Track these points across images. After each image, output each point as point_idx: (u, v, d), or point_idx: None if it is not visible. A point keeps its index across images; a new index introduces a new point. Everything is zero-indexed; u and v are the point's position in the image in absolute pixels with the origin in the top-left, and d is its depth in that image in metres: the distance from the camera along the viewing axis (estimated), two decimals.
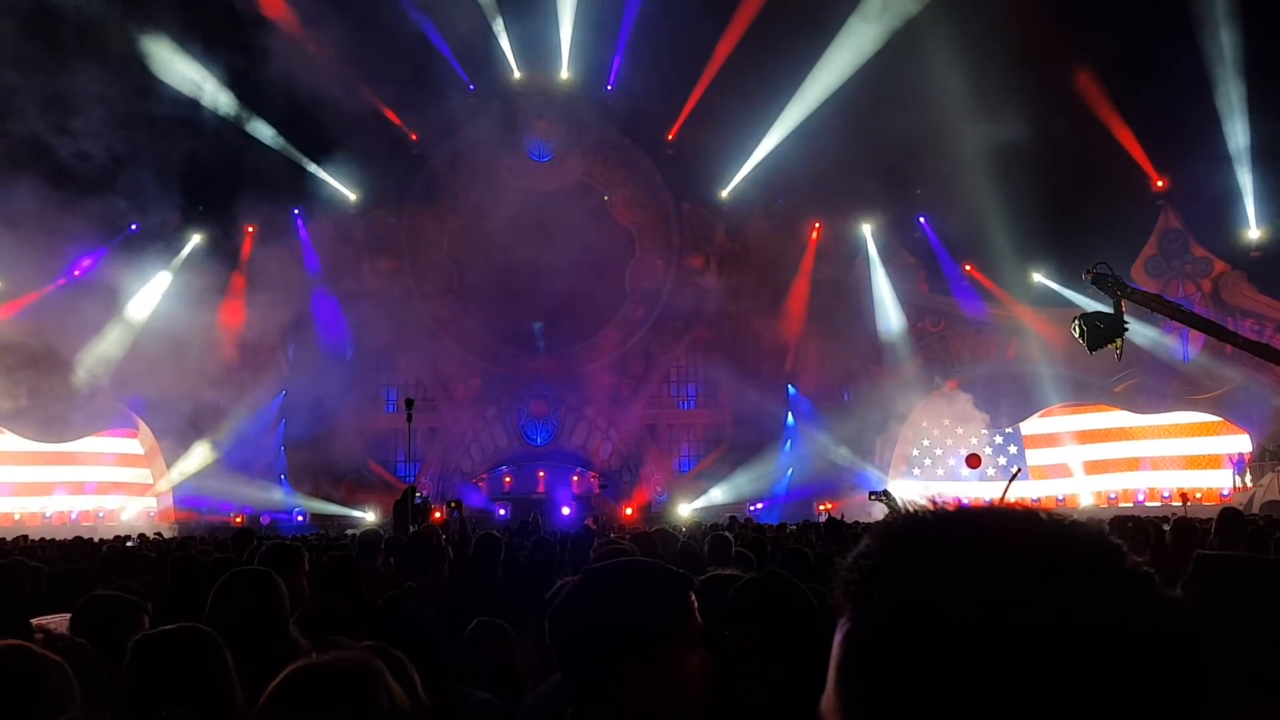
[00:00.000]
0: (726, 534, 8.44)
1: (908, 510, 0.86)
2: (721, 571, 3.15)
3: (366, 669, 2.02)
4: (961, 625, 0.73)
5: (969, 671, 0.71)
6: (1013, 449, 32.48)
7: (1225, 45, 26.54)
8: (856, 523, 14.37)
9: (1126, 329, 7.10)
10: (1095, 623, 0.71)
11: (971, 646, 0.72)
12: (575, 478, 38.12)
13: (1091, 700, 0.70)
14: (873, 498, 9.94)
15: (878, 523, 0.86)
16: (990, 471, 32.07)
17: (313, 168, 35.76)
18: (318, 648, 3.13)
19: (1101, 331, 7.06)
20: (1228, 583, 1.63)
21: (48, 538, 18.99)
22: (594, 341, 38.89)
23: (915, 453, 35.37)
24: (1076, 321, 7.20)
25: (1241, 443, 28.36)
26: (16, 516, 30.34)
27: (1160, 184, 31.40)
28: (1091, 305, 30.83)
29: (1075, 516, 0.85)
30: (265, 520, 31.97)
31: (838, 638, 0.82)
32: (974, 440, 34.02)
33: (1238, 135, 27.64)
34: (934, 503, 0.86)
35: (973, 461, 23.23)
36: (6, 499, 31.15)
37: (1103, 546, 0.78)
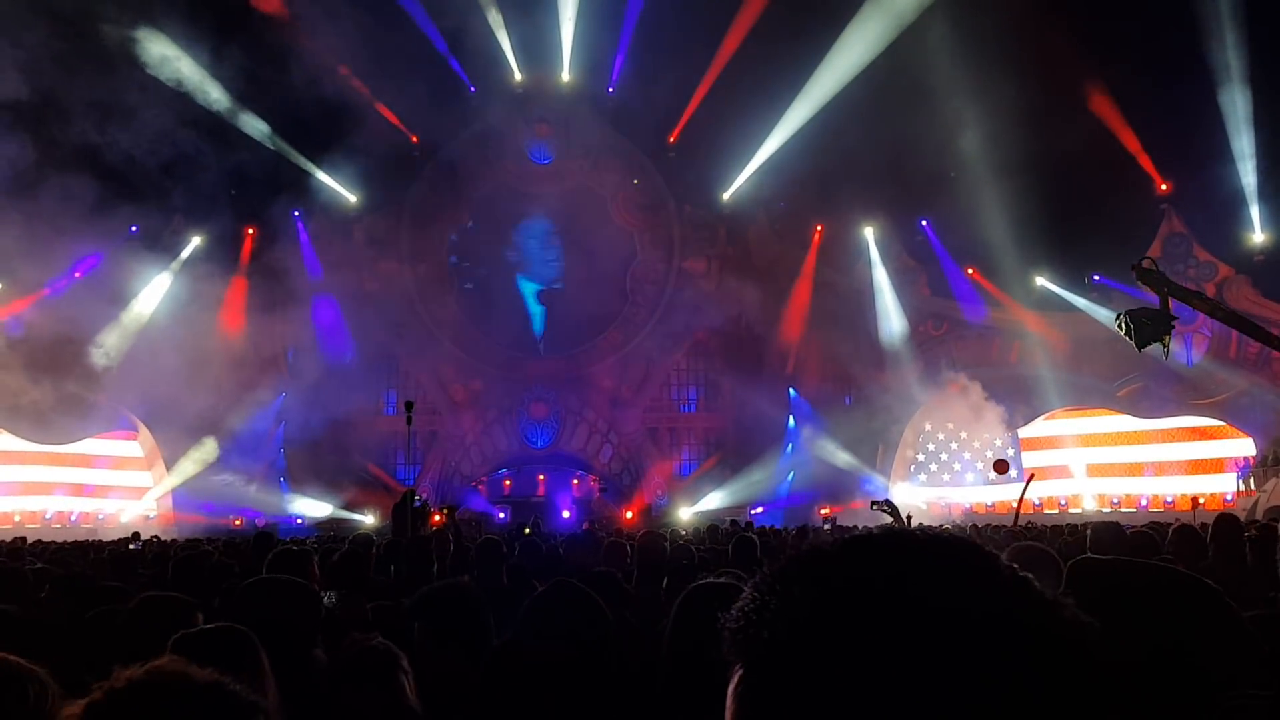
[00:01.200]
0: (751, 535, 8.41)
1: (782, 552, 0.84)
2: (713, 580, 3.06)
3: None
4: (849, 646, 0.73)
5: (865, 690, 0.71)
6: (1010, 451, 32.34)
7: (1230, 49, 26.44)
8: (855, 526, 14.27)
9: (1176, 322, 6.99)
10: (981, 627, 0.72)
11: (861, 666, 0.72)
12: (575, 481, 38.07)
13: (985, 703, 0.70)
14: (874, 507, 9.83)
15: (759, 574, 0.84)
16: (979, 466, 31.99)
17: (313, 170, 35.73)
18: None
19: (1149, 328, 6.96)
20: (1100, 594, 1.59)
21: (46, 539, 18.94)
22: (594, 344, 38.83)
23: (921, 457, 35.28)
24: (1122, 317, 7.07)
25: (1246, 447, 28.24)
26: (16, 518, 30.27)
27: (1164, 188, 31.30)
28: (1094, 310, 30.92)
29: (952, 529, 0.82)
30: (262, 523, 31.88)
31: (730, 689, 0.81)
32: (976, 444, 33.91)
33: (1242, 139, 27.54)
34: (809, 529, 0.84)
35: (1000, 467, 22.97)
36: (6, 499, 31.05)
37: (978, 555, 0.79)
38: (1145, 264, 7.22)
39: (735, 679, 0.80)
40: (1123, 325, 7.07)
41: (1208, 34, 26.45)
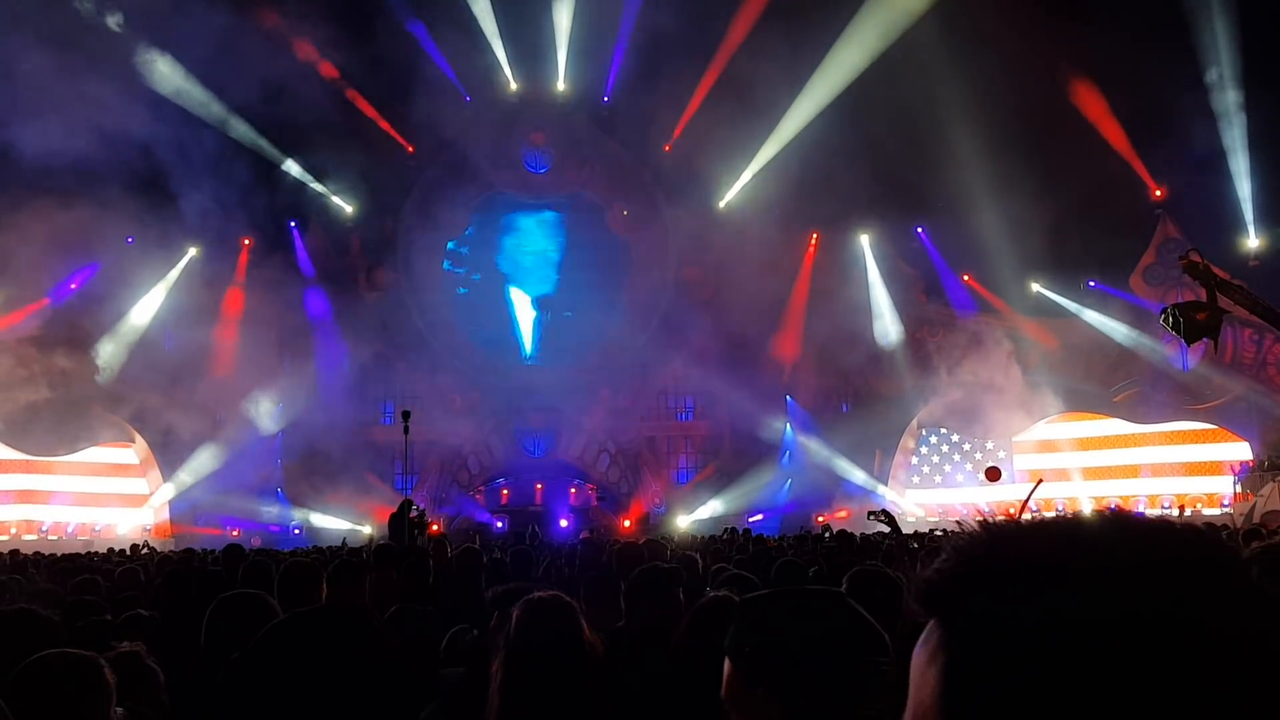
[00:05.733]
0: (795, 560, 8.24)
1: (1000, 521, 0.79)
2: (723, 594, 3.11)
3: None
4: (1102, 638, 0.66)
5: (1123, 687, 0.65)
6: (1001, 454, 32.38)
7: (1223, 54, 26.57)
8: (854, 534, 14.26)
9: (1226, 315, 6.98)
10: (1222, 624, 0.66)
11: (1118, 661, 0.65)
12: (573, 490, 37.98)
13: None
14: (871, 517, 9.80)
15: (967, 534, 0.79)
16: (980, 477, 32.01)
17: (309, 180, 35.76)
18: None
19: (1200, 323, 6.91)
20: None
21: (44, 552, 18.85)
22: (591, 353, 38.77)
23: (915, 461, 35.33)
24: (1170, 312, 7.02)
25: (1242, 450, 28.28)
26: (13, 529, 30.12)
27: (1159, 193, 31.40)
28: (1090, 315, 30.98)
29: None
30: (264, 536, 31.80)
31: (935, 669, 0.74)
32: (967, 446, 33.95)
33: (1236, 144, 27.65)
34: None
35: (992, 474, 22.84)
36: (3, 508, 30.89)
37: (1210, 544, 0.72)
38: (1193, 256, 7.20)
39: (942, 655, 0.75)
40: (1170, 319, 7.00)
41: (1201, 39, 26.60)
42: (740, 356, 36.62)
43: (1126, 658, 0.66)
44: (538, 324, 39.28)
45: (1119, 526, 0.74)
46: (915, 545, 11.65)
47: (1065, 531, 0.74)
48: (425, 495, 34.13)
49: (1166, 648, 0.65)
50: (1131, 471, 30.67)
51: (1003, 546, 0.75)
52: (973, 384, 31.96)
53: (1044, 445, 32.07)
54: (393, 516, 15.24)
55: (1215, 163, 28.08)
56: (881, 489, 33.64)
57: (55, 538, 29.77)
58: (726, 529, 21.83)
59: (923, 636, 0.77)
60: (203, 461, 32.46)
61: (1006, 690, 0.69)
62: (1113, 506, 0.81)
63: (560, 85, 38.43)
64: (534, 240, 39.94)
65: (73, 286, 31.19)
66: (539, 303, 39.40)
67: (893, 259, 35.71)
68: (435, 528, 20.75)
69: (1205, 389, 29.05)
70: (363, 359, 36.21)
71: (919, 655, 0.77)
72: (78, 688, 2.62)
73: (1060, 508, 30.61)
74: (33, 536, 29.17)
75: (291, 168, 34.82)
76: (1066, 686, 0.66)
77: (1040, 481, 9.02)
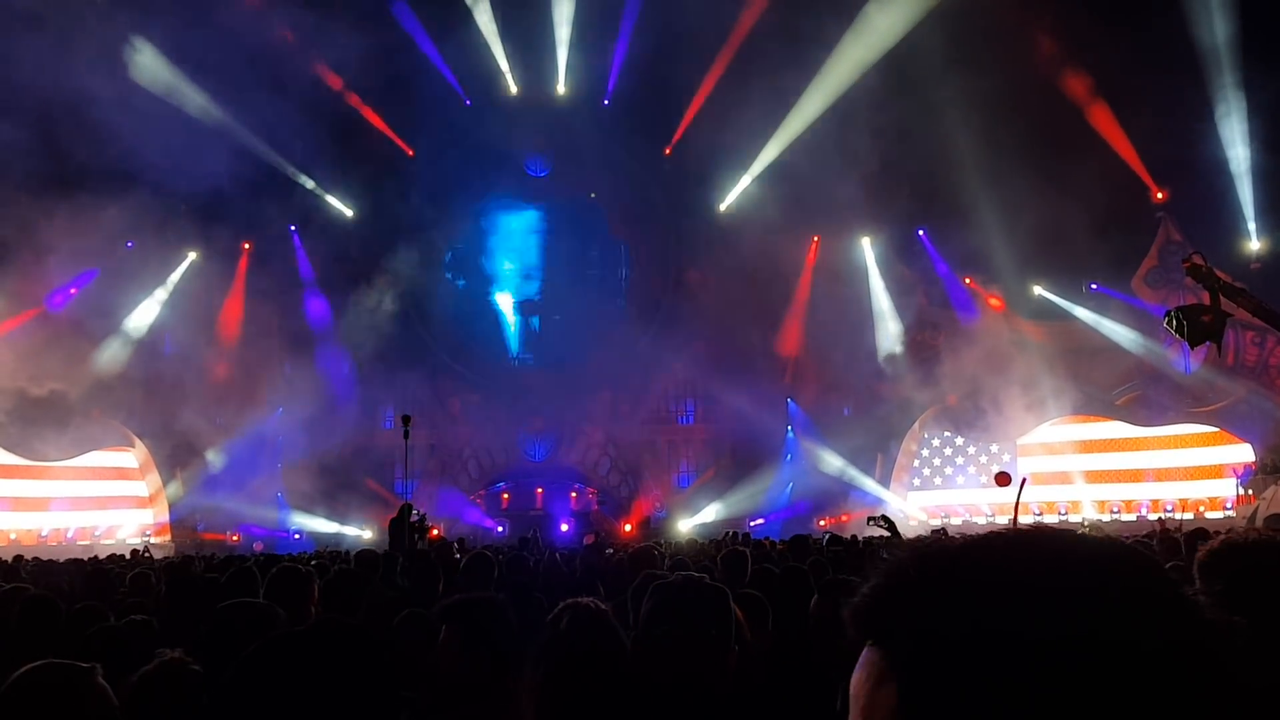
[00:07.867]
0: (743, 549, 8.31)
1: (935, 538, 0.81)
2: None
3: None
4: (1027, 655, 0.68)
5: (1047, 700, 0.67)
6: (1006, 457, 32.29)
7: (1225, 57, 26.55)
8: (855, 537, 14.24)
9: (1229, 317, 6.94)
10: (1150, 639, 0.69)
11: (1044, 676, 0.68)
12: (573, 494, 37.93)
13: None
14: (871, 522, 9.73)
15: (907, 553, 0.79)
16: (982, 479, 31.95)
17: (310, 184, 35.75)
18: None
19: (1203, 326, 6.87)
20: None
21: (44, 558, 18.79)
22: (592, 357, 38.72)
23: (917, 464, 35.24)
24: (1174, 314, 6.98)
25: (1245, 452, 28.21)
26: (12, 535, 30.03)
27: (1160, 196, 31.35)
28: (1092, 318, 30.90)
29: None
30: (260, 537, 31.75)
31: (887, 692, 0.75)
32: (970, 449, 33.87)
33: (1237, 147, 27.62)
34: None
35: (1001, 480, 22.79)
36: (2, 514, 30.82)
37: (1143, 562, 0.75)
38: (1196, 259, 7.16)
39: (865, 656, 0.78)
40: (1174, 322, 6.96)
41: (1204, 42, 26.56)
42: (741, 360, 36.56)
43: (1077, 676, 0.67)
44: (536, 327, 39.24)
45: (1044, 542, 0.76)
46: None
47: (992, 549, 0.76)
48: (425, 500, 33.95)
49: (1114, 665, 0.68)
50: (1135, 475, 30.58)
51: (931, 568, 0.76)
52: (974, 387, 31.87)
53: (1047, 448, 31.98)
54: (393, 521, 15.18)
55: (1217, 166, 28.05)
56: (884, 492, 33.57)
57: (56, 544, 29.71)
58: (728, 533, 21.79)
59: (861, 660, 0.79)
60: (203, 466, 32.43)
61: (967, 708, 0.70)
62: (1034, 521, 0.84)
63: (560, 89, 38.43)
64: (534, 244, 39.92)
65: (72, 291, 31.16)
66: (538, 306, 39.37)
67: (894, 262, 35.63)
68: (436, 532, 20.70)
69: (1208, 392, 28.99)
70: (363, 364, 36.17)
71: (860, 679, 0.78)
72: (68, 700, 2.58)
73: (1063, 511, 30.66)
74: (33, 544, 29.08)
75: (291, 172, 34.81)
76: (1022, 705, 0.68)
77: (1025, 481, 8.95)
